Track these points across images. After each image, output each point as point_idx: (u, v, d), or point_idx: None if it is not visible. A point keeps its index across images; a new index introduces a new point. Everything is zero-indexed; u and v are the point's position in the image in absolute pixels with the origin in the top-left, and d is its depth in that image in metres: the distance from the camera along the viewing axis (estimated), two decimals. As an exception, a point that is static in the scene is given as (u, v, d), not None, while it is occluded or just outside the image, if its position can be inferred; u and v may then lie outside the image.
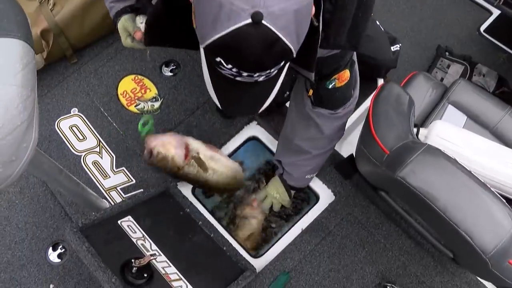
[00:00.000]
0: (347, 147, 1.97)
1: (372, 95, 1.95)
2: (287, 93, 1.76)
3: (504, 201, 1.09)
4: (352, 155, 1.70)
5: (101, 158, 1.78)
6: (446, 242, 1.31)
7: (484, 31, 2.41)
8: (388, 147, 1.20)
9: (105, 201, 1.63)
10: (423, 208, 1.13)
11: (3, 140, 0.72)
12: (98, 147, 1.80)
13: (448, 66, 2.26)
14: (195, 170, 1.58)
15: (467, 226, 1.04)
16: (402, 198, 1.30)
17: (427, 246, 1.57)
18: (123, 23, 1.19)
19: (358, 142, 1.38)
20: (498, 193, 1.10)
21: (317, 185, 1.71)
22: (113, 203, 1.68)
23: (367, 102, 1.99)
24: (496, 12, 2.42)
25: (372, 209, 1.64)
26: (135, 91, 1.90)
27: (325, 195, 1.69)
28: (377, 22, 1.87)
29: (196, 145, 1.60)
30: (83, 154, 1.79)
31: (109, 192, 1.71)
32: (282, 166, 1.59)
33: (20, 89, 0.75)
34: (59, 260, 1.63)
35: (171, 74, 1.95)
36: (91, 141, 1.81)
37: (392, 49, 1.98)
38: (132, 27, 1.19)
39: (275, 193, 1.65)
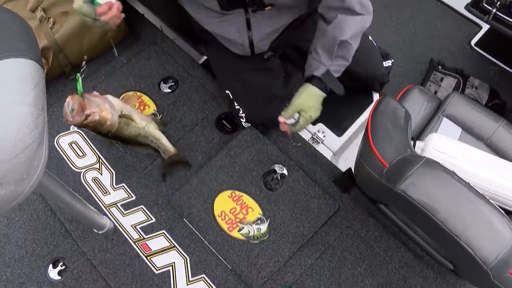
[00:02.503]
0: (345, 161, 2.00)
1: (368, 109, 2.01)
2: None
3: (503, 212, 1.12)
4: (350, 169, 1.73)
5: (101, 174, 1.78)
6: (447, 254, 1.33)
7: (475, 44, 2.47)
8: (387, 161, 1.22)
9: (106, 217, 1.63)
10: (424, 220, 1.15)
11: (15, 158, 0.73)
12: (98, 163, 1.80)
13: (441, 79, 2.31)
14: (126, 130, 1.59)
15: (468, 237, 1.06)
16: (403, 211, 1.32)
17: (427, 258, 1.58)
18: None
19: (357, 156, 1.40)
20: (495, 204, 1.13)
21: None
22: (113, 220, 1.68)
23: (363, 116, 2.02)
24: (485, 27, 2.49)
25: (371, 222, 1.66)
26: (134, 108, 1.91)
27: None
28: (370, 37, 1.90)
29: (117, 103, 1.58)
30: (83, 170, 1.79)
31: (109, 209, 1.71)
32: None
33: (31, 108, 0.77)
34: (59, 277, 1.62)
35: (169, 90, 1.97)
36: (91, 157, 1.82)
37: (385, 65, 2.02)
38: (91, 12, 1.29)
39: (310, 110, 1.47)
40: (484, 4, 2.08)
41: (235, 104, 1.78)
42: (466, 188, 1.13)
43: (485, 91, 2.29)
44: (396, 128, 1.33)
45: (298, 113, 1.50)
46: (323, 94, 1.46)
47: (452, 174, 1.15)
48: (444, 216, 1.09)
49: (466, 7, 2.18)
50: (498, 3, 2.01)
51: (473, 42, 2.47)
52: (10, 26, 0.86)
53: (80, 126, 1.46)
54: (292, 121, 1.55)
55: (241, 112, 1.78)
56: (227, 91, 1.80)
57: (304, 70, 1.52)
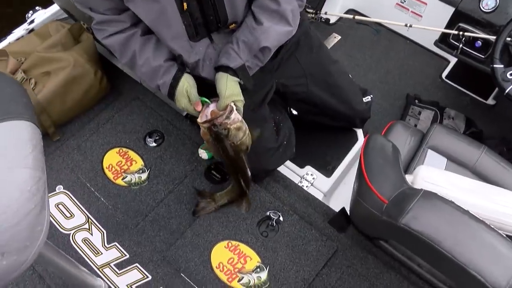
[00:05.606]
0: (335, 201, 2.00)
1: (353, 148, 2.04)
2: None
3: (504, 235, 1.12)
4: (343, 208, 1.73)
5: (91, 234, 1.72)
6: (456, 284, 1.31)
7: (445, 77, 2.57)
8: (386, 197, 1.22)
9: (99, 279, 1.55)
10: (429, 252, 1.14)
11: (17, 225, 0.70)
12: (87, 223, 1.75)
13: (419, 113, 2.38)
14: None
15: (476, 264, 1.05)
16: (406, 245, 1.31)
17: (429, 291, 1.57)
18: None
19: (353, 195, 1.40)
20: (495, 229, 1.14)
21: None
22: (107, 281, 1.61)
23: (350, 155, 2.04)
24: (453, 60, 2.60)
25: (370, 260, 1.64)
26: (121, 164, 1.89)
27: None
28: (350, 75, 1.96)
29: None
30: (72, 232, 1.73)
31: (102, 270, 1.64)
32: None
33: (32, 171, 0.75)
34: None
35: (155, 144, 1.95)
36: (79, 218, 1.76)
37: (364, 100, 2.06)
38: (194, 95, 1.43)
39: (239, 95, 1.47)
40: (451, 40, 2.19)
41: None
42: (466, 216, 1.14)
43: (461, 120, 2.36)
44: (389, 163, 1.35)
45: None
46: (238, 81, 1.48)
47: (450, 203, 1.16)
48: (449, 245, 1.09)
49: (435, 43, 2.29)
50: (463, 38, 2.13)
51: (443, 75, 2.58)
52: (4, 88, 0.85)
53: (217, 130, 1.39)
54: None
55: None
56: None
57: (220, 59, 1.48)
